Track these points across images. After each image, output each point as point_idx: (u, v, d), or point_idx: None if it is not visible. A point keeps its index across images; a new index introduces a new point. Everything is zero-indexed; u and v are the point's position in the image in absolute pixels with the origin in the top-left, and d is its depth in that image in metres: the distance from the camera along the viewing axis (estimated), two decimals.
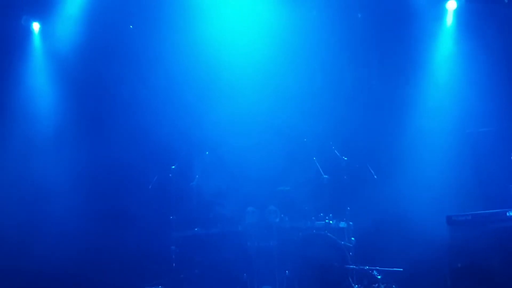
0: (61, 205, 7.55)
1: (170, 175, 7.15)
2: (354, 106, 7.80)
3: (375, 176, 7.07)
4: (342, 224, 6.90)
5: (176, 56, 7.84)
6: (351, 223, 6.93)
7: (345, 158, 7.09)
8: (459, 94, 7.63)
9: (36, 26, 8.31)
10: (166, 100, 7.84)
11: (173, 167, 7.19)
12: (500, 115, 7.27)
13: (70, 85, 8.15)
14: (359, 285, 6.44)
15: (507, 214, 5.64)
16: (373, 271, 6.38)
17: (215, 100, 7.62)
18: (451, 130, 7.50)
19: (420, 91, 7.83)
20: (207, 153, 7.36)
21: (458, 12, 7.89)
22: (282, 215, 6.85)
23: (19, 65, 8.21)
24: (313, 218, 6.78)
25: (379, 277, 6.38)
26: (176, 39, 7.85)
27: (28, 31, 8.28)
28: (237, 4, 7.94)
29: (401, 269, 6.37)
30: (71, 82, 8.14)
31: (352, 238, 6.83)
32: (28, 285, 7.09)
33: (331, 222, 6.80)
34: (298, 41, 7.86)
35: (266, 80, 7.67)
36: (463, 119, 7.53)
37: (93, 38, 8.03)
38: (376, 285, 6.41)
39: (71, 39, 8.11)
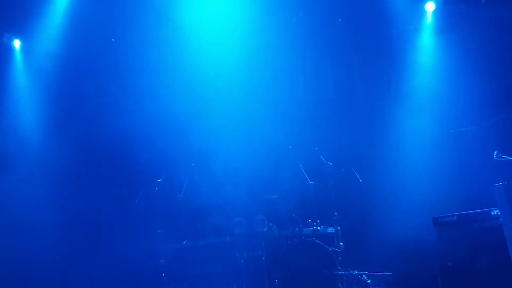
0: (47, 221, 7.51)
1: (156, 188, 7.13)
2: (337, 110, 7.85)
3: (361, 180, 7.09)
4: (330, 230, 6.93)
5: (161, 68, 7.85)
6: (339, 228, 6.96)
7: (330, 164, 7.12)
8: (441, 95, 7.69)
9: (17, 43, 8.30)
10: (150, 113, 7.81)
11: (159, 180, 7.19)
12: (482, 113, 7.31)
13: (52, 101, 8.13)
14: None
15: (491, 213, 5.68)
16: (362, 276, 6.38)
17: (199, 111, 7.61)
18: (434, 131, 7.55)
19: (402, 93, 7.88)
20: (192, 164, 7.36)
21: (437, 13, 7.96)
22: (270, 224, 6.86)
23: (1, 82, 8.19)
24: (301, 225, 6.79)
25: (368, 281, 6.40)
26: (161, 50, 7.86)
27: (9, 48, 8.26)
28: (219, 14, 7.95)
29: (390, 273, 6.38)
30: (52, 98, 8.12)
31: (341, 243, 6.86)
32: None
33: (319, 228, 6.82)
34: (280, 49, 7.90)
35: (249, 89, 7.68)
36: (445, 119, 7.58)
37: (74, 54, 8.02)
38: None
39: (53, 55, 8.09)
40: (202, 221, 6.99)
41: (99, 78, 7.99)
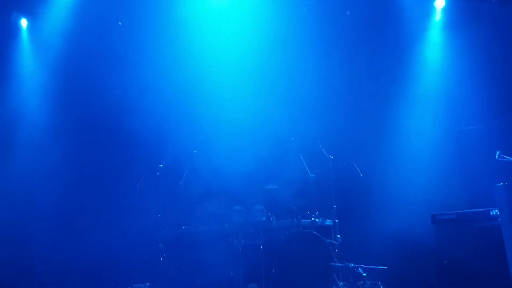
0: (48, 203, 7.58)
1: (157, 173, 7.17)
2: (341, 104, 7.84)
3: (361, 175, 7.11)
4: (328, 222, 6.97)
5: (164, 56, 7.82)
6: (337, 220, 7.00)
7: (332, 157, 7.13)
8: (447, 92, 7.67)
9: (24, 22, 8.31)
10: (154, 99, 7.80)
11: (160, 165, 7.23)
12: (487, 112, 7.29)
13: (58, 80, 8.12)
14: (345, 282, 6.52)
15: (490, 213, 5.70)
16: (358, 269, 6.43)
17: (202, 100, 7.61)
18: (438, 129, 7.54)
19: (407, 90, 7.86)
20: (194, 151, 7.38)
21: (447, 10, 7.92)
22: (268, 214, 6.91)
23: (7, 61, 8.21)
24: (299, 216, 6.83)
25: (364, 274, 6.44)
26: (165, 38, 7.84)
27: (17, 27, 8.27)
28: (225, 4, 7.92)
29: (386, 267, 6.43)
30: (59, 77, 8.12)
31: (338, 236, 6.91)
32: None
33: (317, 220, 6.87)
34: (286, 40, 7.86)
35: (253, 79, 7.68)
36: (450, 118, 7.56)
37: (81, 34, 8.00)
38: (362, 282, 6.47)
39: (59, 35, 8.09)
40: (203, 207, 7.03)
41: (105, 60, 7.96)
